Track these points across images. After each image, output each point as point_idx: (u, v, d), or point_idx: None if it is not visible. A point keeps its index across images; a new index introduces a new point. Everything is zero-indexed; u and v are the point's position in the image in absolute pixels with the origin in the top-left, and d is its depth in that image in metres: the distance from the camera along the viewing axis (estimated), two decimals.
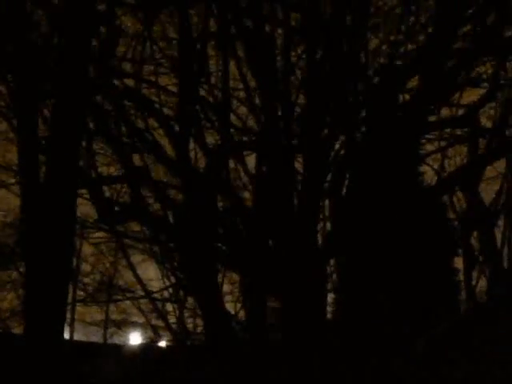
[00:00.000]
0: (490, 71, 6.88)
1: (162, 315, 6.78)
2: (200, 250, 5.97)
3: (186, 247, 5.91)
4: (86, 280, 7.64)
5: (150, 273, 7.21)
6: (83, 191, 5.82)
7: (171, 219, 6.05)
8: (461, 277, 7.36)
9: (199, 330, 6.68)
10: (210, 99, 6.66)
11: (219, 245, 6.26)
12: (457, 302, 7.18)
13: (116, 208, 5.94)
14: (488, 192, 7.22)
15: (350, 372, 5.68)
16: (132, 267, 6.39)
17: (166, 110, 6.34)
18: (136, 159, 6.10)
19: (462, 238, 7.68)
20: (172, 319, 7.09)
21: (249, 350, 5.67)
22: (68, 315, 7.96)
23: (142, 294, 7.06)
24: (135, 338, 8.02)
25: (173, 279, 6.82)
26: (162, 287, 6.73)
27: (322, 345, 5.89)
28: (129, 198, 5.98)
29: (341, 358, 5.83)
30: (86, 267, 7.69)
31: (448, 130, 7.10)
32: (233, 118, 6.66)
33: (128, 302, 7.40)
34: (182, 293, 6.50)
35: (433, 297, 6.64)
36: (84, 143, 5.60)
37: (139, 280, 6.59)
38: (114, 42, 5.82)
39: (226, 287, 6.96)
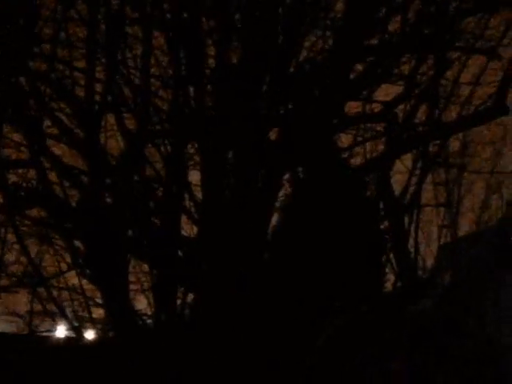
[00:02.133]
0: (406, 68, 7.03)
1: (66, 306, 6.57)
2: (107, 238, 5.88)
3: (92, 234, 5.80)
4: (11, 269, 7.38)
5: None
6: None
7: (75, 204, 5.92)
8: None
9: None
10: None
11: (129, 233, 6.19)
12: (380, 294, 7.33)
13: (22, 193, 5.78)
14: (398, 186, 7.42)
15: (247, 365, 5.78)
16: (27, 253, 6.18)
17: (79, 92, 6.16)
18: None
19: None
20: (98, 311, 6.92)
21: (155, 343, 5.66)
22: None
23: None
24: (61, 330, 7.85)
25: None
26: (58, 273, 6.51)
27: (231, 339, 5.94)
28: (36, 183, 5.81)
29: (243, 351, 5.91)
30: (10, 256, 7.40)
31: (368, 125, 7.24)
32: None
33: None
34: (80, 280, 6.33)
35: (354, 290, 6.75)
36: None
37: (34, 267, 6.37)
38: (32, 22, 5.62)
39: (134, 277, 6.85)
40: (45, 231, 6.30)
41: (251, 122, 6.51)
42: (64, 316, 6.57)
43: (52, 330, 7.86)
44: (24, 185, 5.86)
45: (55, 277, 6.40)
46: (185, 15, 6.54)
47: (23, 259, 6.80)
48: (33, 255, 6.85)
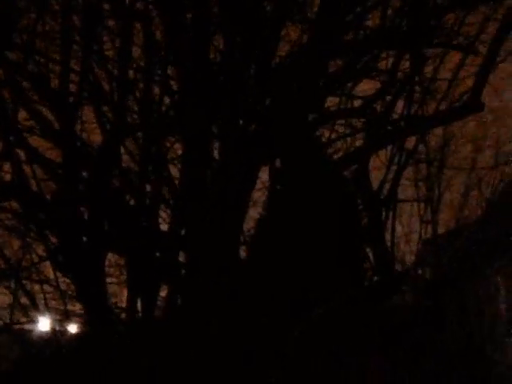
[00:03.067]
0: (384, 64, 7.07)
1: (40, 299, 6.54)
2: (81, 229, 5.87)
3: (66, 226, 5.78)
4: None
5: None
6: None
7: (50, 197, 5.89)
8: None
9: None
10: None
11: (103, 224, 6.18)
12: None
13: None
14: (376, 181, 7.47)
15: (224, 357, 5.79)
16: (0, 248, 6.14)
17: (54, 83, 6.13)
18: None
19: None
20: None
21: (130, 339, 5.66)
22: None
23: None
24: (44, 323, 7.81)
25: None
26: (30, 265, 6.47)
27: (208, 332, 5.95)
28: (11, 175, 5.78)
29: (220, 344, 5.92)
30: None
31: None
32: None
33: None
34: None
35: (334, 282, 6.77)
36: None
37: (6, 260, 6.32)
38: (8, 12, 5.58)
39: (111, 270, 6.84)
40: (17, 223, 6.27)
41: (232, 114, 6.52)
42: (41, 310, 6.56)
43: (34, 323, 7.83)
44: None
45: (28, 269, 6.36)
46: (165, 8, 6.53)
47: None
48: (11, 248, 6.83)
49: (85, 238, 5.75)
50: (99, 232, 5.86)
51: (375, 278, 7.26)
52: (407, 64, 6.98)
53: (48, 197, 5.83)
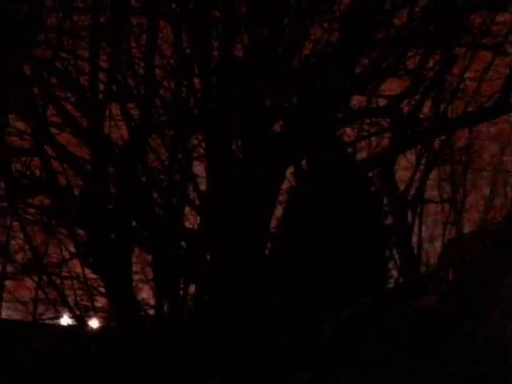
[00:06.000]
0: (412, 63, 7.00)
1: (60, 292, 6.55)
2: (109, 226, 5.89)
3: (95, 222, 5.80)
4: (17, 257, 7.39)
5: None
6: None
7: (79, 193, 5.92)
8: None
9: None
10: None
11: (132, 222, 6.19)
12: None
13: (25, 181, 5.78)
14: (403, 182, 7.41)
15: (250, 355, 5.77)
16: (30, 242, 6.18)
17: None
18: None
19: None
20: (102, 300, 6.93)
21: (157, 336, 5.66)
22: None
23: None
24: (66, 319, 7.86)
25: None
26: (61, 262, 6.50)
27: (234, 330, 5.94)
28: (40, 171, 5.81)
29: (246, 341, 5.91)
30: (15, 244, 7.40)
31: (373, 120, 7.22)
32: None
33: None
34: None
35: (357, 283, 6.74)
36: None
37: (37, 255, 6.37)
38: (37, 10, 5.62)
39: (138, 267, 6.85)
40: (48, 220, 6.29)
41: (256, 114, 6.51)
42: (67, 305, 6.58)
43: (56, 317, 7.87)
44: (28, 173, 5.86)
45: (58, 266, 6.39)
46: (191, 6, 6.53)
47: (28, 247, 6.83)
48: (38, 243, 6.86)
49: (113, 235, 5.76)
50: (126, 228, 5.87)
51: (401, 280, 7.21)
52: (435, 64, 6.92)
53: (77, 193, 5.85)
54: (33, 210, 6.23)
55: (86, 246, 5.73)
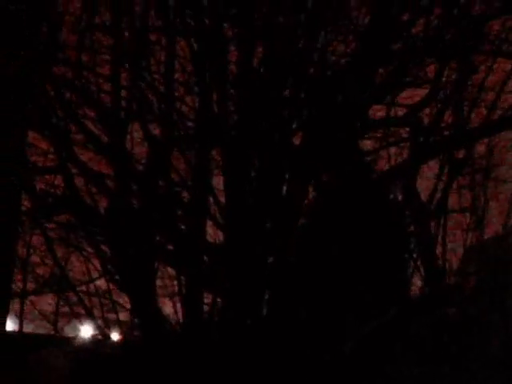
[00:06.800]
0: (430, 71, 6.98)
1: (87, 309, 6.56)
2: (134, 242, 5.90)
3: (119, 239, 5.83)
4: (36, 272, 7.42)
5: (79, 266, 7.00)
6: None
7: (103, 211, 5.95)
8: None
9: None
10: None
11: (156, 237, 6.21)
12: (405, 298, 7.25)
13: (50, 199, 5.83)
14: (425, 191, 7.35)
15: (272, 368, 5.75)
16: (56, 259, 6.21)
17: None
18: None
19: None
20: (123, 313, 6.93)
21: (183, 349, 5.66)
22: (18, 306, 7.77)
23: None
24: (86, 331, 7.86)
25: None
26: (89, 280, 6.53)
27: (258, 343, 5.93)
28: (63, 189, 5.85)
29: (269, 355, 5.89)
30: (35, 258, 7.44)
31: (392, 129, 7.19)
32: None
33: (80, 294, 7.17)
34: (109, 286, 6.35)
35: (377, 293, 6.70)
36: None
37: (63, 272, 6.40)
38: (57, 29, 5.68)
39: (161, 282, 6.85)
40: (73, 237, 6.33)
41: (275, 126, 6.51)
42: (90, 318, 6.58)
43: (77, 331, 7.88)
44: (52, 191, 5.90)
45: (85, 283, 6.41)
46: (207, 22, 6.57)
47: (49, 261, 6.86)
48: (60, 258, 6.87)
49: (137, 251, 5.77)
50: (151, 244, 5.89)
51: (426, 290, 7.15)
52: (454, 72, 6.90)
53: (102, 210, 5.89)
54: (56, 226, 6.25)
55: (112, 262, 5.75)
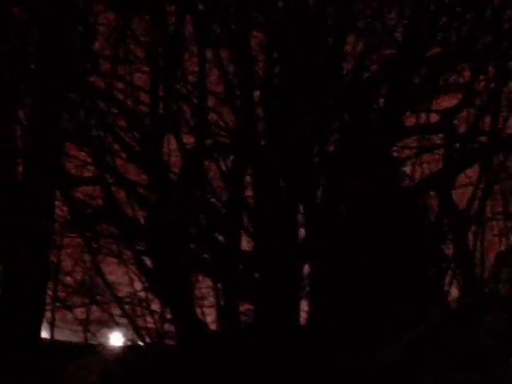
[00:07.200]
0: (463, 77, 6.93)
1: (129, 317, 6.55)
2: (173, 253, 5.90)
3: (159, 249, 5.83)
4: (67, 280, 7.44)
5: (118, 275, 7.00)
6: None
7: (143, 221, 5.96)
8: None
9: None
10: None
11: (193, 248, 6.20)
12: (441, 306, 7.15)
13: (89, 210, 5.85)
14: (461, 199, 7.25)
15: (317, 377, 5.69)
16: (99, 271, 6.22)
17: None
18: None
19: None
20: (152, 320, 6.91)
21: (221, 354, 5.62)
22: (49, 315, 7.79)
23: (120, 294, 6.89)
24: (116, 339, 7.85)
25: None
26: (133, 291, 6.54)
27: (295, 350, 5.88)
28: (102, 200, 5.87)
29: (311, 363, 5.82)
30: (66, 267, 7.46)
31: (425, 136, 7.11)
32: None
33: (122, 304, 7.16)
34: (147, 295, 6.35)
35: (414, 301, 6.62)
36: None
37: (107, 284, 6.41)
38: (91, 39, 5.73)
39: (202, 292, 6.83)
40: (116, 248, 6.33)
41: (309, 134, 6.49)
42: (122, 326, 6.57)
43: (107, 338, 7.86)
44: (90, 202, 5.93)
45: (129, 296, 6.40)
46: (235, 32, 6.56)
47: (77, 269, 6.88)
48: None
49: (176, 261, 5.77)
50: (188, 254, 5.88)
51: (465, 300, 7.04)
52: (489, 78, 6.83)
53: (142, 221, 5.90)
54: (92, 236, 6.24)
55: (153, 273, 5.75)
